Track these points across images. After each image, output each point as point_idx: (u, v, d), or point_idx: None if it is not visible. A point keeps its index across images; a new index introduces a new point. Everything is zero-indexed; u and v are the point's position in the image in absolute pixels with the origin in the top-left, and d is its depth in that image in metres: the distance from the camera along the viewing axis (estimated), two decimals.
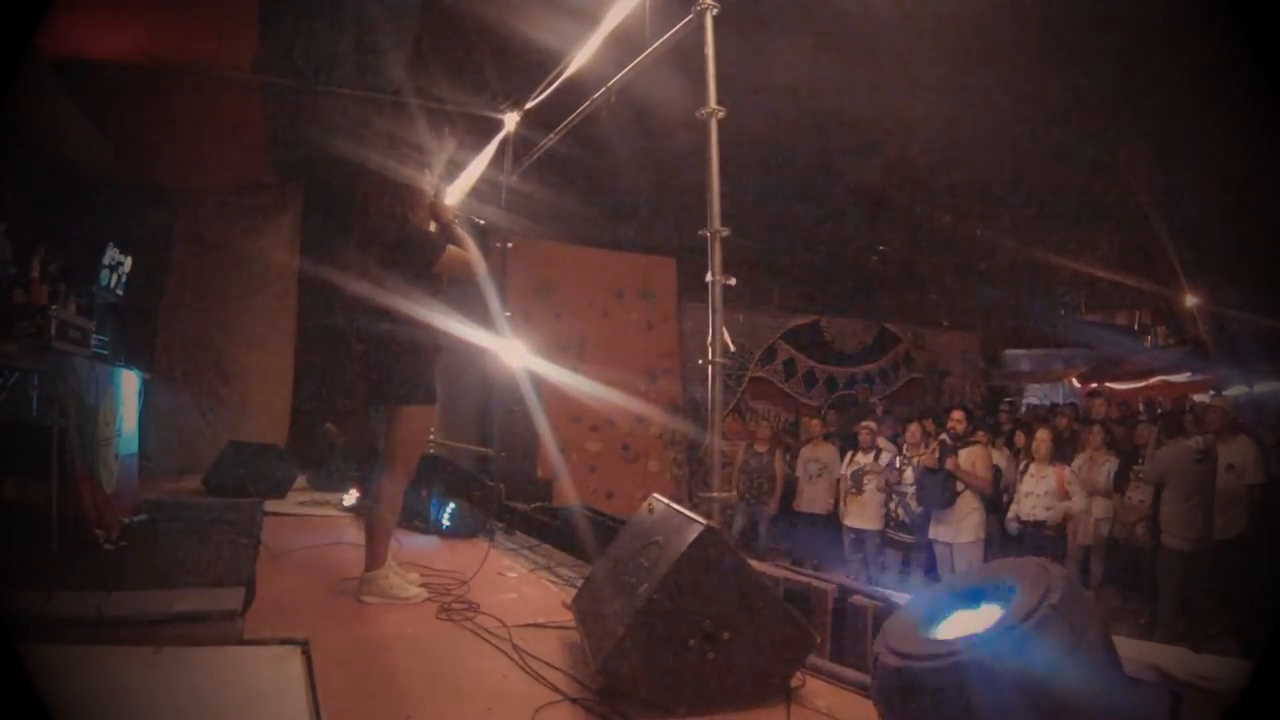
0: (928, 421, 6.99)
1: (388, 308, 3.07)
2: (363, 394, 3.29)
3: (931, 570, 6.48)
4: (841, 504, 6.79)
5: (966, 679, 1.21)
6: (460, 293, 3.31)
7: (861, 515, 6.52)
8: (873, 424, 6.78)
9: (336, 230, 7.21)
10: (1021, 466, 6.06)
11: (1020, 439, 6.54)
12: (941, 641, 1.40)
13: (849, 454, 6.83)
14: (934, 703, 1.26)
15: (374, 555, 3.02)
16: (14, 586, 2.45)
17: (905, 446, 6.27)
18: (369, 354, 3.18)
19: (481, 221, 3.46)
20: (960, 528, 5.77)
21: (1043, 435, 5.93)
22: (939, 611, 1.52)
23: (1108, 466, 5.90)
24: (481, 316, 3.36)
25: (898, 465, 6.19)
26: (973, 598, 1.50)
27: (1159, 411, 8.32)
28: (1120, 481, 5.71)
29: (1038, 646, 1.21)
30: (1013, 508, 5.91)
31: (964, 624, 1.45)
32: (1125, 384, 11.07)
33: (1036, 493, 5.80)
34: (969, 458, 5.85)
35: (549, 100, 4.57)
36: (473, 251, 3.20)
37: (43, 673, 1.78)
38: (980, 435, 6.46)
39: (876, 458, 6.46)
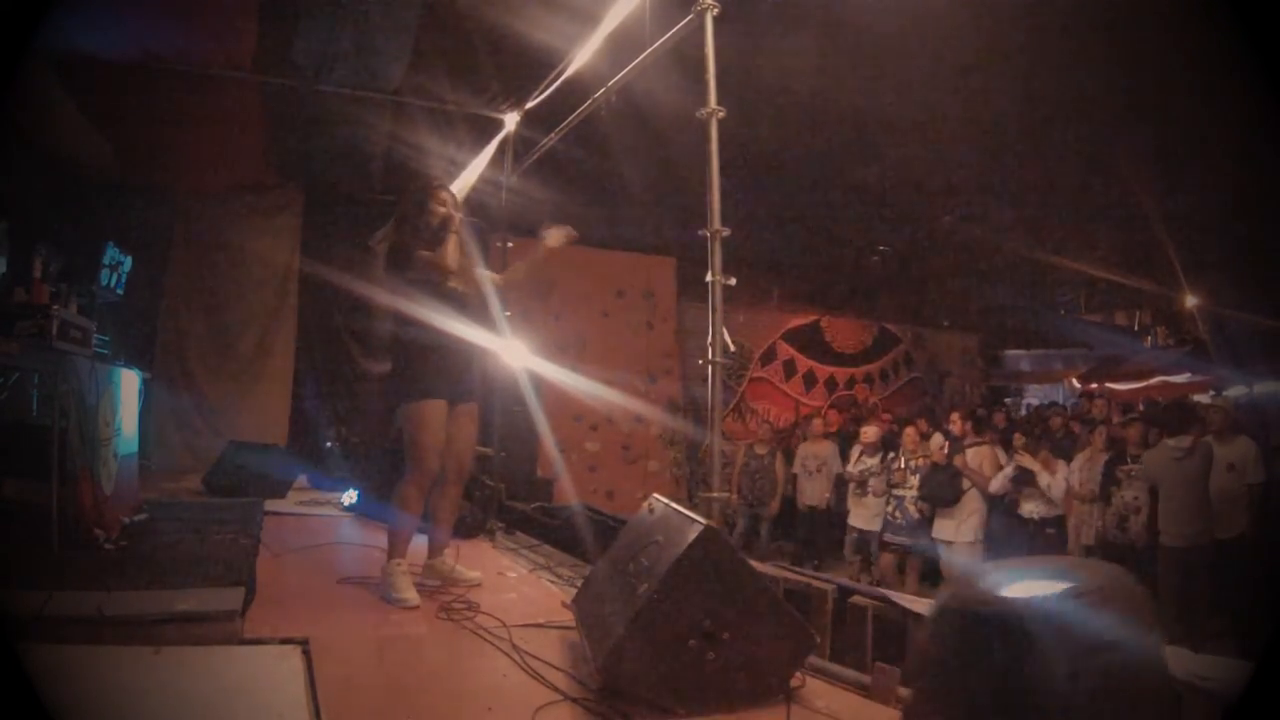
0: (922, 422, 7.00)
1: (387, 308, 3.10)
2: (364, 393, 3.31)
3: (930, 574, 6.48)
4: (847, 504, 6.80)
5: (1028, 628, 1.26)
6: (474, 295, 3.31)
7: (864, 516, 6.52)
8: (873, 429, 6.77)
9: (340, 231, 7.24)
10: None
11: (1019, 439, 6.54)
12: (1008, 598, 1.44)
13: (855, 454, 6.82)
14: (992, 644, 1.32)
15: (388, 548, 3.09)
16: (14, 586, 2.45)
17: (902, 450, 6.28)
18: (394, 358, 3.20)
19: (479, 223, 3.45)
20: (962, 527, 5.79)
21: (1044, 454, 5.98)
22: (1006, 578, 1.56)
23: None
24: (484, 317, 3.36)
25: (901, 467, 6.19)
26: (1040, 575, 1.54)
27: (1142, 409, 8.32)
28: (1106, 481, 5.71)
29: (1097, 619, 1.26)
30: (1025, 504, 5.93)
31: (1029, 590, 1.49)
32: (1125, 384, 11.08)
33: (1042, 480, 5.85)
34: (976, 457, 5.88)
35: (549, 100, 4.57)
36: (443, 256, 3.15)
37: (43, 673, 1.79)
38: (988, 436, 6.48)
39: (883, 459, 6.45)
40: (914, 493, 6.03)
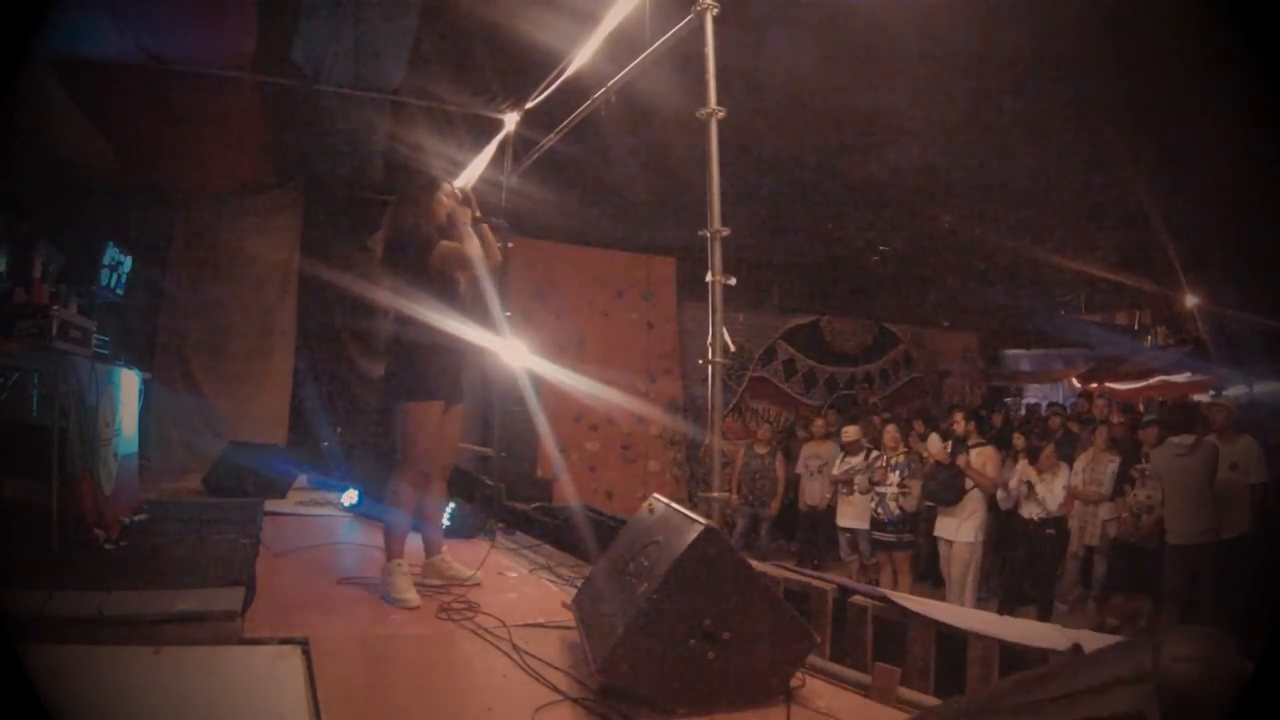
0: (919, 422, 6.99)
1: (388, 307, 3.07)
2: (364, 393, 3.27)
3: (930, 573, 6.49)
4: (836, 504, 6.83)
5: None
6: (473, 292, 3.29)
7: (850, 515, 6.54)
8: (853, 429, 6.78)
9: (340, 231, 7.24)
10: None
11: (1019, 440, 6.56)
12: None
13: (839, 455, 6.84)
14: None
15: (385, 550, 3.08)
16: (14, 586, 2.45)
17: (883, 448, 6.28)
18: (387, 354, 3.18)
19: (497, 220, 3.36)
20: (963, 526, 5.81)
21: (1047, 450, 5.97)
22: None
23: (1111, 467, 5.91)
24: (483, 316, 3.34)
25: (883, 464, 6.20)
26: None
27: (1151, 408, 8.32)
28: (1120, 481, 5.72)
29: None
30: (1024, 506, 5.94)
31: None
32: (1125, 384, 11.08)
33: (1039, 491, 5.86)
34: (980, 457, 5.89)
35: (549, 100, 4.57)
36: (471, 246, 3.11)
37: (43, 673, 1.78)
38: (990, 436, 6.50)
39: (866, 457, 6.47)
40: (896, 489, 6.04)
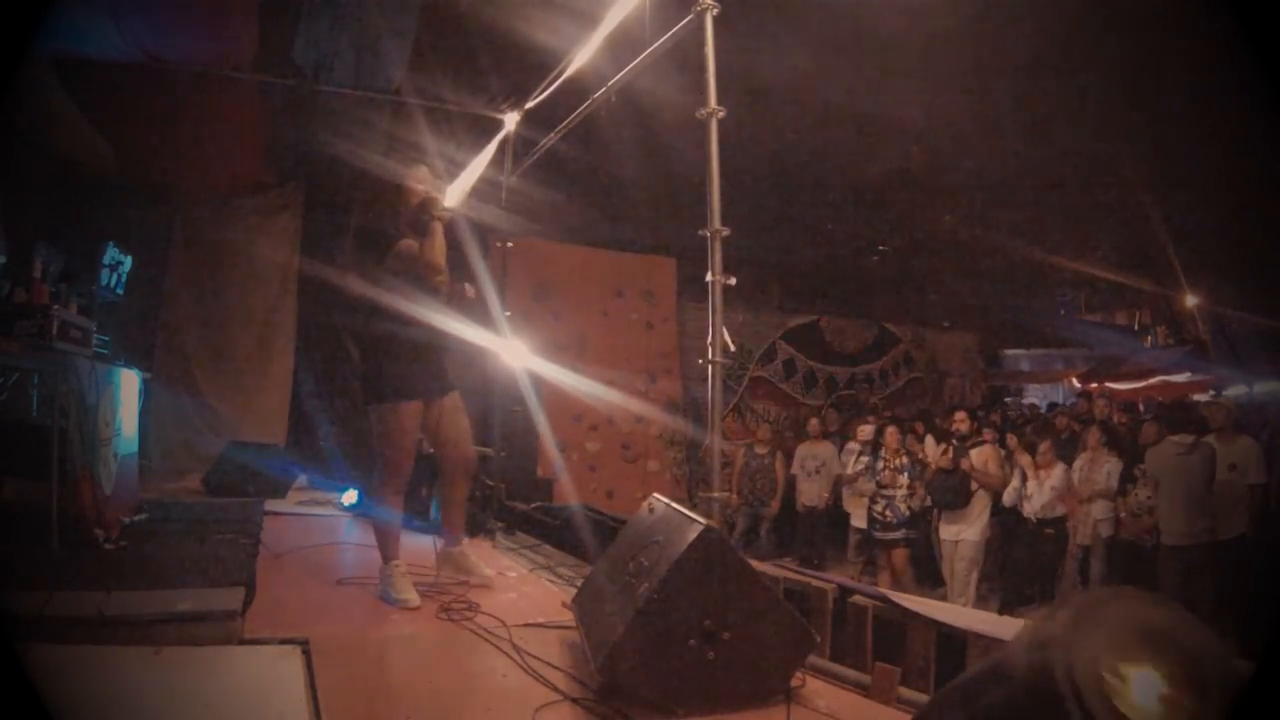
0: (918, 425, 6.97)
1: (365, 306, 3.01)
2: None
3: (932, 575, 6.48)
4: (845, 504, 6.81)
5: None
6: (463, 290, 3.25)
7: (863, 516, 6.52)
8: (868, 427, 6.77)
9: (340, 231, 7.24)
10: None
11: (1013, 440, 6.55)
12: None
13: (853, 454, 6.82)
14: None
15: (381, 552, 3.07)
16: (14, 586, 2.45)
17: (884, 450, 6.27)
18: (362, 353, 3.14)
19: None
20: (970, 527, 5.81)
21: (1044, 446, 5.97)
22: None
23: (1108, 467, 5.90)
24: (482, 316, 3.33)
25: (891, 467, 6.18)
26: None
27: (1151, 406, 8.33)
28: (1124, 481, 5.72)
29: None
30: (1026, 505, 5.95)
31: None
32: (1125, 384, 11.08)
33: (1041, 490, 5.87)
34: (980, 457, 5.89)
35: (549, 100, 4.57)
36: (435, 246, 2.99)
37: (43, 673, 1.78)
38: (988, 434, 6.50)
39: (874, 457, 6.46)
40: (905, 491, 6.03)
